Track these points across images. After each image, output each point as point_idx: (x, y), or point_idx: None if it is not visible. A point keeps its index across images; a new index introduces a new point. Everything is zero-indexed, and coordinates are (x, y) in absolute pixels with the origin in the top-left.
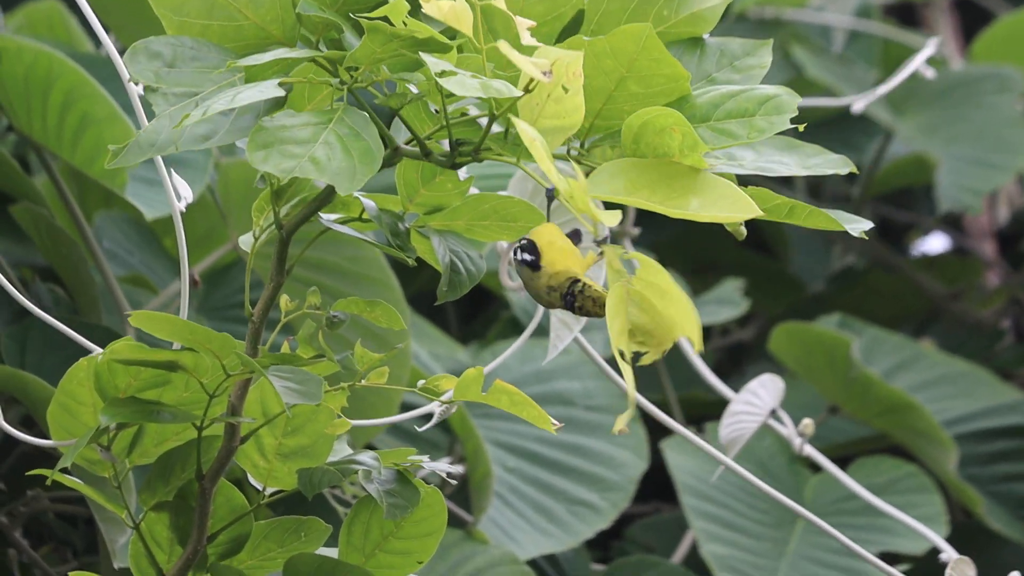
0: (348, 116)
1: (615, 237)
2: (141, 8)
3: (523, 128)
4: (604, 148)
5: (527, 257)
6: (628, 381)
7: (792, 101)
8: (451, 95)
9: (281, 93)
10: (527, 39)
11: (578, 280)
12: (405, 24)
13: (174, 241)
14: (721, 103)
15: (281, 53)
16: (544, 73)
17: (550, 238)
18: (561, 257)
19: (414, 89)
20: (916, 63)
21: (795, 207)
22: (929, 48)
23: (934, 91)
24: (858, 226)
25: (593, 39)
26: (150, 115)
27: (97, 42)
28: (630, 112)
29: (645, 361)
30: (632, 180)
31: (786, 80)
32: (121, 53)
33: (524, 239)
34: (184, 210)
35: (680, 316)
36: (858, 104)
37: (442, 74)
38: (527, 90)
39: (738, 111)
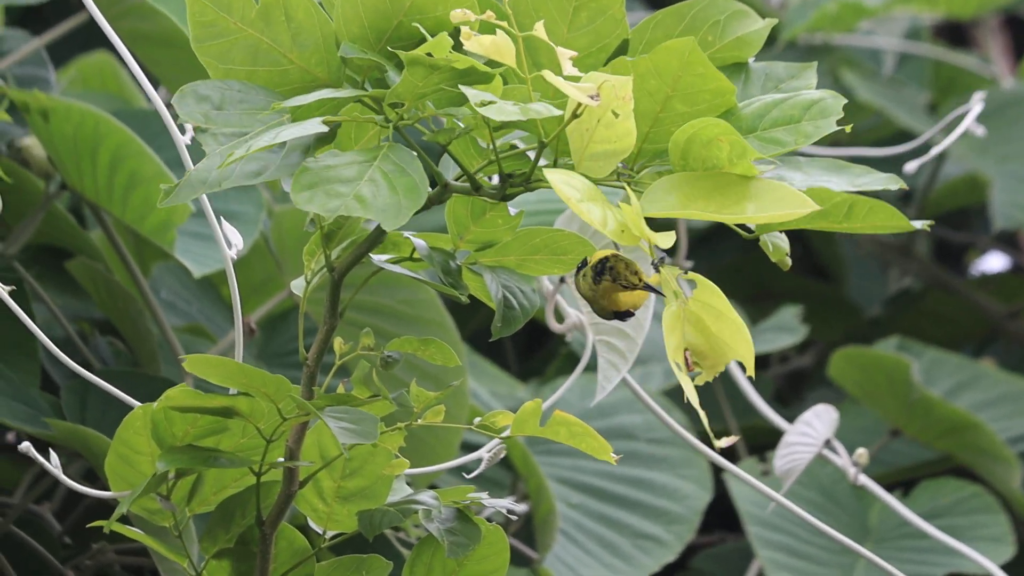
0: (393, 153)
1: None
2: (190, 59)
3: (554, 179)
4: (653, 172)
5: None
6: (689, 391)
7: (837, 104)
8: (499, 128)
9: (324, 130)
10: (569, 69)
11: (609, 257)
12: (445, 57)
13: (231, 295)
14: (766, 112)
15: (325, 94)
16: (592, 97)
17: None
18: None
19: (461, 124)
20: (967, 121)
21: (855, 204)
22: (978, 105)
23: (986, 110)
24: (920, 221)
25: (636, 59)
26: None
27: (147, 94)
28: None
29: (699, 381)
30: (685, 194)
31: (838, 115)
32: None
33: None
34: (235, 258)
35: (734, 339)
36: (910, 166)
37: (481, 104)
38: (575, 115)
39: (783, 118)
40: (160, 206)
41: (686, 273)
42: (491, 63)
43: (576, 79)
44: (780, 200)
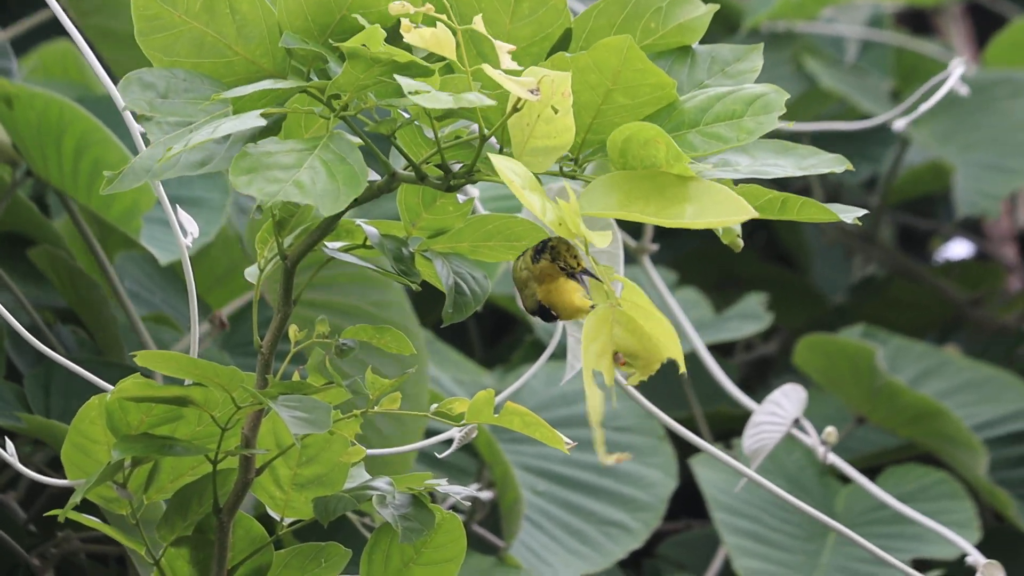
0: (334, 143)
1: (634, 255)
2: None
3: (499, 164)
4: (597, 161)
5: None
6: (593, 406)
7: (780, 99)
8: (443, 118)
9: (262, 123)
10: (507, 63)
11: (552, 238)
12: (385, 50)
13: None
14: (709, 107)
15: (266, 84)
16: (531, 91)
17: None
18: (548, 293)
19: (406, 114)
20: (951, 82)
21: (787, 201)
22: (960, 66)
23: (948, 98)
24: (851, 214)
25: (576, 55)
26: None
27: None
28: (621, 123)
29: (632, 382)
30: (626, 193)
31: (800, 92)
32: None
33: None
34: (191, 245)
35: (665, 337)
36: (899, 123)
37: (414, 92)
38: (516, 109)
39: (726, 113)
40: (103, 193)
41: (653, 257)
42: (432, 56)
43: (516, 73)
44: (718, 205)
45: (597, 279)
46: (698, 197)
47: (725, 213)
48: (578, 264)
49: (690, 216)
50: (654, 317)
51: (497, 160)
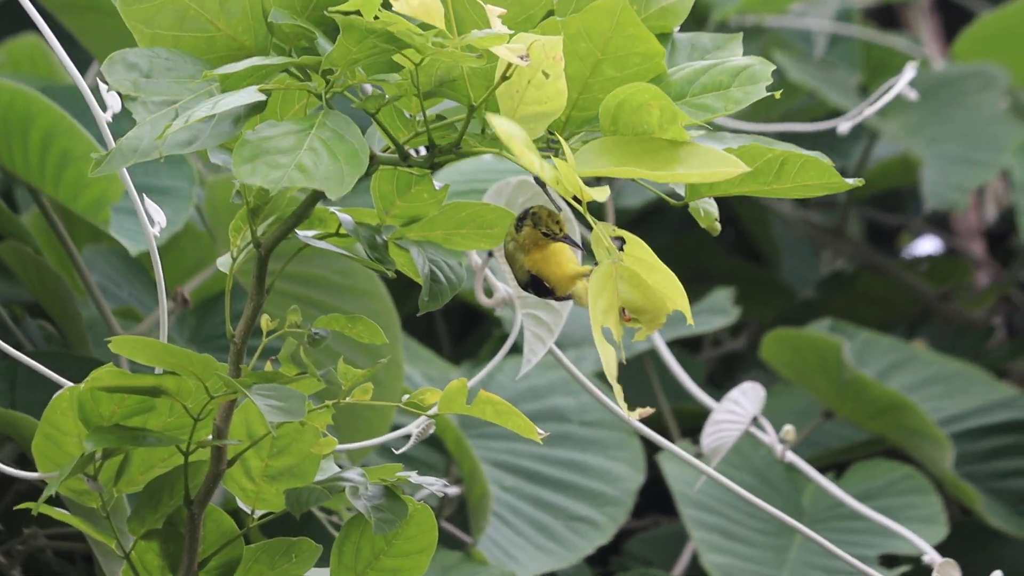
0: (330, 120)
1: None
2: (119, 25)
3: (498, 123)
4: (581, 140)
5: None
6: (608, 363)
7: (765, 70)
8: (429, 95)
9: (261, 98)
10: (498, 27)
11: (534, 206)
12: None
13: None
14: (695, 78)
15: (256, 61)
16: (521, 57)
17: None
18: (536, 263)
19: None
20: (899, 86)
21: (786, 160)
22: (910, 72)
23: (917, 92)
24: (853, 180)
25: (567, 19)
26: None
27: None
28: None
29: (639, 337)
30: (617, 156)
31: (768, 85)
32: (95, 83)
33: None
34: (159, 235)
35: (670, 289)
36: (843, 126)
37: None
38: (505, 77)
39: (713, 84)
40: (91, 175)
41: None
42: (422, 26)
43: (505, 38)
44: (710, 162)
45: (577, 246)
46: (688, 158)
47: (716, 167)
48: (560, 230)
49: (681, 172)
50: (659, 269)
51: (496, 120)
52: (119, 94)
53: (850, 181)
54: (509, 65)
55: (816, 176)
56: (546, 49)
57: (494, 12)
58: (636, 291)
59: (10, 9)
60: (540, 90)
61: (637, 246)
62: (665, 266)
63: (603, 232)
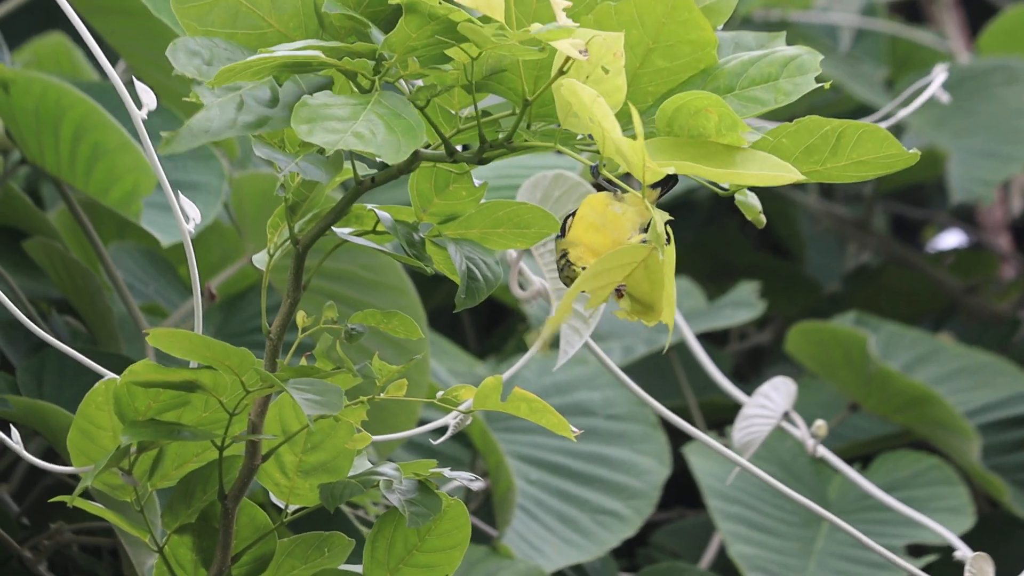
0: (385, 99)
1: None
2: (148, 27)
3: (579, 89)
4: (630, 136)
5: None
6: (560, 316)
7: (814, 60)
8: (480, 90)
9: (318, 54)
10: (563, 20)
11: (566, 254)
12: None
13: (189, 268)
14: (743, 71)
15: (311, 42)
16: (580, 52)
17: (583, 211)
18: (584, 230)
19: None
20: (932, 88)
21: (844, 132)
22: (942, 74)
23: (943, 85)
24: (912, 151)
25: (620, 3)
26: (155, 140)
27: (103, 72)
28: (655, 92)
29: (620, 315)
30: (674, 154)
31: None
32: (127, 79)
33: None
34: (192, 231)
35: (667, 303)
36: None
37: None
38: (562, 72)
39: (761, 76)
40: (161, 153)
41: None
42: (484, 19)
43: (569, 32)
44: (767, 166)
45: (622, 188)
46: (745, 163)
47: (773, 171)
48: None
49: (741, 173)
50: (671, 280)
51: (578, 87)
52: (183, 77)
53: (911, 150)
54: (567, 59)
55: (874, 148)
56: (607, 44)
57: (560, 5)
58: (648, 282)
59: (36, 9)
60: (598, 86)
61: (670, 251)
62: (674, 281)
63: (659, 217)
